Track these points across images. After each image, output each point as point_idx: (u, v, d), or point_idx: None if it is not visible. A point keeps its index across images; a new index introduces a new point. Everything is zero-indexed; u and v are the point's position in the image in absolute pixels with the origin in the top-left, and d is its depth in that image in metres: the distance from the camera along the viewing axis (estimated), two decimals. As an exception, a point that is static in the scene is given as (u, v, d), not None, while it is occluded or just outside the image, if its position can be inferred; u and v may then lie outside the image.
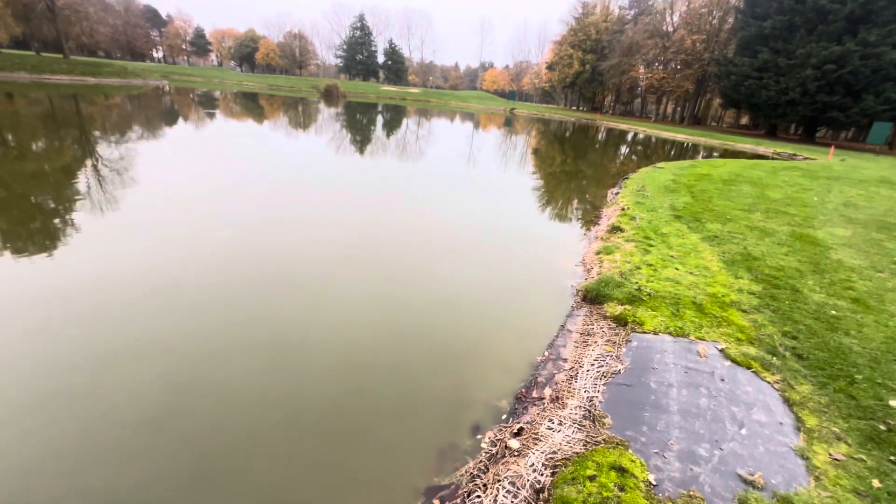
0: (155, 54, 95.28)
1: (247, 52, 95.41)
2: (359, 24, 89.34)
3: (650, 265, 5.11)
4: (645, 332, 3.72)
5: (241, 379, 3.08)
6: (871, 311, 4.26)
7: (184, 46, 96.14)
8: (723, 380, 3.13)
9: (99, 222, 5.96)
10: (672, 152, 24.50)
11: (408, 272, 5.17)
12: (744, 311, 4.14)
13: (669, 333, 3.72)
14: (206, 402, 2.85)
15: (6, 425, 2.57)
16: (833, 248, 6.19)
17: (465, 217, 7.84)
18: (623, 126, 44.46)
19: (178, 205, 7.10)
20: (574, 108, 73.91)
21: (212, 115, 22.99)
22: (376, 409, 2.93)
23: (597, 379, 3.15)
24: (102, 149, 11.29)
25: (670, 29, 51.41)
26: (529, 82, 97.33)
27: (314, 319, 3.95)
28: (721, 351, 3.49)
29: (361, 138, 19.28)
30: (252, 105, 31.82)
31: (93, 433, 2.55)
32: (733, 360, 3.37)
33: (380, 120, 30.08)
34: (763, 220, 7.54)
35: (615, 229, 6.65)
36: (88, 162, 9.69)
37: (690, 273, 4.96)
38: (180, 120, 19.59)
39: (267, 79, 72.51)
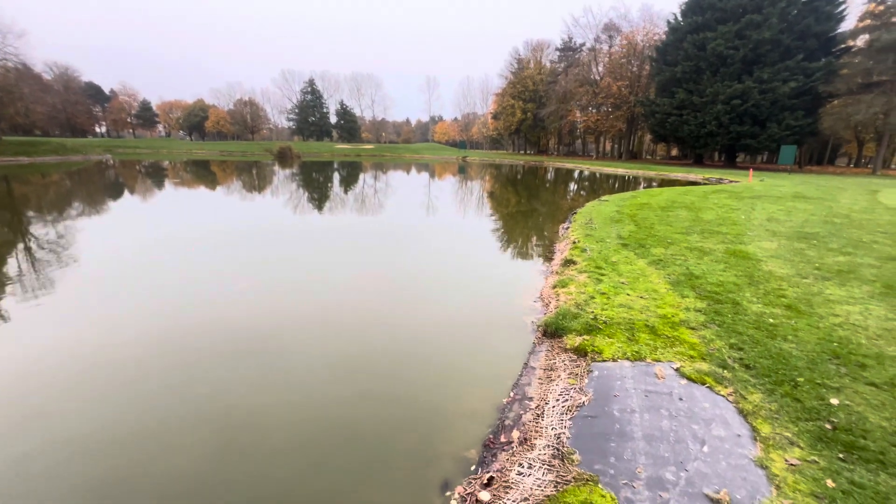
0: (98, 129, 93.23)
1: (196, 122, 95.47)
2: (309, 89, 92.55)
3: (603, 293, 5.31)
4: (605, 361, 3.80)
5: (194, 454, 2.81)
6: (803, 315, 4.60)
7: (129, 119, 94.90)
8: (681, 399, 3.22)
9: (31, 306, 5.47)
10: (615, 185, 26.28)
11: (366, 323, 5.06)
12: (692, 328, 4.35)
13: (627, 359, 3.82)
14: (169, 473, 2.56)
15: None
16: (763, 260, 6.72)
17: (425, 263, 7.91)
18: (569, 165, 47.48)
19: (123, 279, 6.69)
20: (522, 151, 78.50)
21: (159, 185, 22.39)
22: (339, 477, 2.74)
23: (563, 414, 3.14)
24: (37, 229, 10.62)
25: (597, 77, 56.98)
26: (478, 131, 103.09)
27: (265, 382, 3.73)
28: (677, 370, 3.61)
29: (318, 195, 19.36)
30: (203, 172, 31.40)
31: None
32: (689, 378, 3.48)
33: (336, 176, 30.46)
34: (700, 240, 8.13)
35: (568, 262, 6.92)
36: (20, 244, 9.05)
37: (641, 297, 5.19)
38: (125, 192, 18.91)
39: (218, 145, 72.37)
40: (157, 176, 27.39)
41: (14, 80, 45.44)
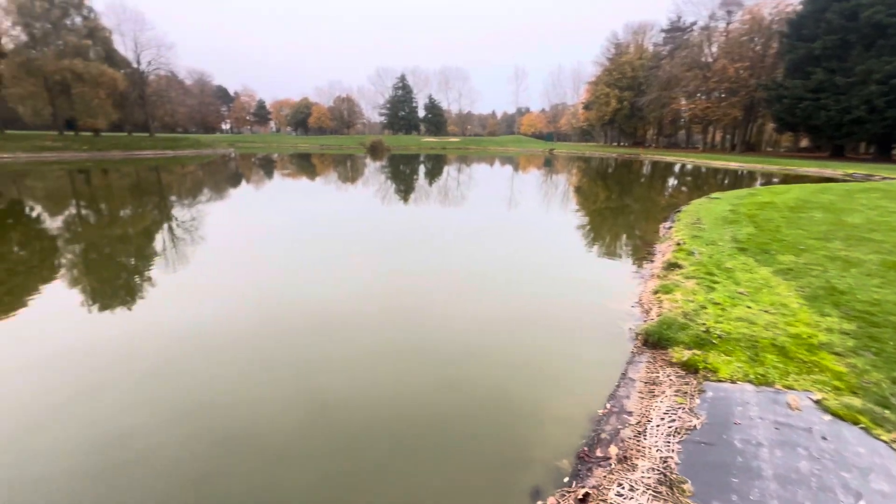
0: (224, 126, 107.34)
1: (301, 118, 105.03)
2: (400, 85, 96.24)
3: (717, 304, 4.67)
4: (720, 381, 3.33)
5: (279, 436, 3.05)
6: None
7: (247, 117, 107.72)
8: (825, 438, 2.68)
9: (171, 278, 6.48)
10: (726, 181, 23.26)
11: (453, 320, 5.07)
12: (838, 354, 3.62)
13: (750, 382, 3.30)
14: (246, 456, 2.84)
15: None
16: (938, 277, 5.38)
17: (508, 259, 7.73)
18: (669, 158, 43.24)
19: (239, 258, 7.61)
20: (615, 143, 73.30)
21: (269, 175, 25.13)
22: (422, 473, 2.76)
23: (669, 436, 2.81)
24: (177, 211, 12.54)
25: (709, 59, 50.70)
26: (567, 122, 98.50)
27: (350, 373, 3.91)
28: (817, 402, 3.02)
29: (405, 187, 20.08)
30: (305, 164, 34.48)
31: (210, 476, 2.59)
32: (835, 414, 2.89)
33: (422, 169, 31.36)
34: (844, 248, 6.78)
35: (672, 266, 6.24)
36: (165, 224, 10.76)
37: (766, 311, 4.47)
38: (242, 181, 21.55)
39: (318, 139, 78.91)
40: (267, 167, 30.73)
41: (165, 86, 54.16)
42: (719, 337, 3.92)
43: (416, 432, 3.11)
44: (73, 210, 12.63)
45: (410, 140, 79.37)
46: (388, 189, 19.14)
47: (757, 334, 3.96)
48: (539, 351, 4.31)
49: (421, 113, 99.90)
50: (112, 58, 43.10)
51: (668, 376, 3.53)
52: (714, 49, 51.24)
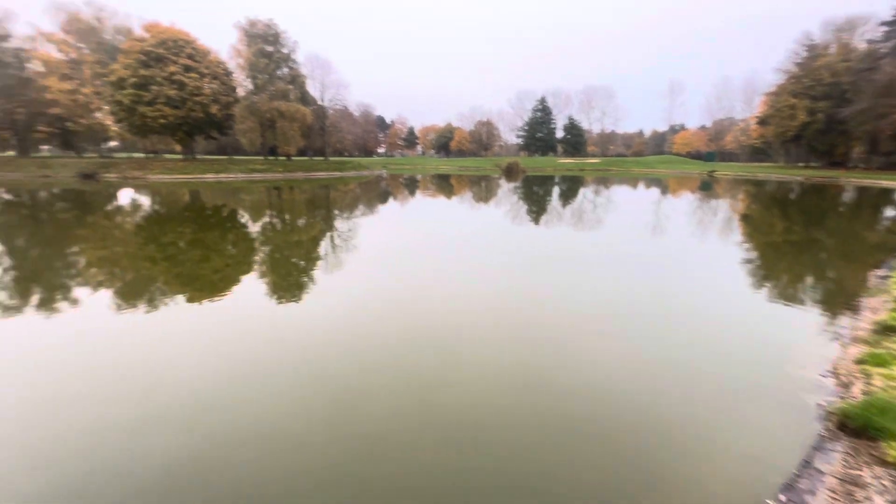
0: (379, 150, 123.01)
1: (443, 142, 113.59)
2: (540, 107, 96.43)
3: (969, 391, 3.35)
4: (974, 505, 2.35)
5: (401, 434, 3.22)
6: None
7: (399, 142, 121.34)
8: None
9: (330, 279, 7.62)
10: None
11: (579, 362, 4.64)
12: None
13: None
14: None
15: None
16: None
17: (650, 295, 6.87)
18: (886, 183, 33.52)
19: (383, 265, 8.52)
20: (801, 164, 59.98)
21: (412, 193, 27.69)
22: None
23: (878, 563, 2.08)
24: (338, 223, 14.73)
25: (964, 53, 37.89)
26: (734, 140, 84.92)
27: (483, 394, 3.92)
28: None
29: (536, 208, 19.84)
30: (443, 184, 36.99)
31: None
32: None
33: (556, 190, 30.60)
34: None
35: (888, 329, 4.73)
36: (328, 233, 12.73)
37: None
38: (389, 199, 24.22)
39: (458, 161, 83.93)
40: (411, 187, 33.92)
41: (339, 118, 64.72)
42: (974, 440, 2.79)
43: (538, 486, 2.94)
44: (266, 218, 15.94)
45: (546, 161, 78.45)
46: (518, 210, 19.18)
47: None
48: (690, 415, 3.56)
49: (559, 134, 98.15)
50: (305, 97, 53.58)
51: (879, 480, 2.65)
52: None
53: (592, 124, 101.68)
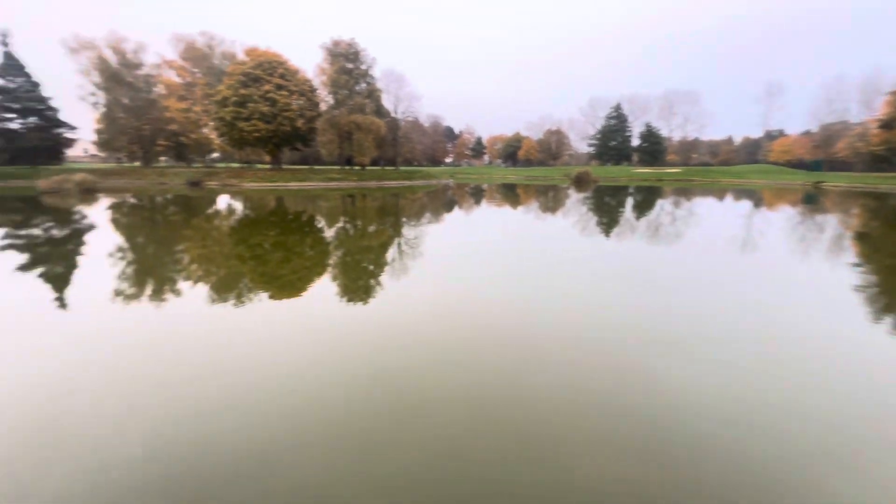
0: (446, 159, 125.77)
1: (511, 151, 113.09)
2: (615, 114, 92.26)
3: None
4: None
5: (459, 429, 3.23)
6: None
7: (466, 151, 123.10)
8: None
9: (397, 282, 7.93)
10: None
11: (672, 404, 3.94)
12: None
13: None
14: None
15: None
16: None
17: (748, 322, 6.21)
18: None
19: (445, 270, 8.67)
20: (939, 174, 50.55)
21: (477, 202, 27.86)
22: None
23: None
24: (405, 230, 15.27)
25: None
26: (847, 146, 74.18)
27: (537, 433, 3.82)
28: None
29: (607, 219, 18.91)
30: (510, 193, 36.75)
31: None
32: None
33: (629, 201, 28.94)
34: None
35: None
36: (396, 239, 13.25)
37: None
38: (455, 208, 24.57)
39: (525, 171, 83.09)
40: (477, 196, 34.14)
41: (410, 129, 67.41)
42: None
43: None
44: (340, 223, 17.01)
45: (620, 171, 74.61)
46: (587, 221, 18.42)
47: None
48: (800, 459, 3.16)
49: (634, 142, 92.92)
50: (379, 110, 56.59)
51: None
52: None
53: (673, 131, 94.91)
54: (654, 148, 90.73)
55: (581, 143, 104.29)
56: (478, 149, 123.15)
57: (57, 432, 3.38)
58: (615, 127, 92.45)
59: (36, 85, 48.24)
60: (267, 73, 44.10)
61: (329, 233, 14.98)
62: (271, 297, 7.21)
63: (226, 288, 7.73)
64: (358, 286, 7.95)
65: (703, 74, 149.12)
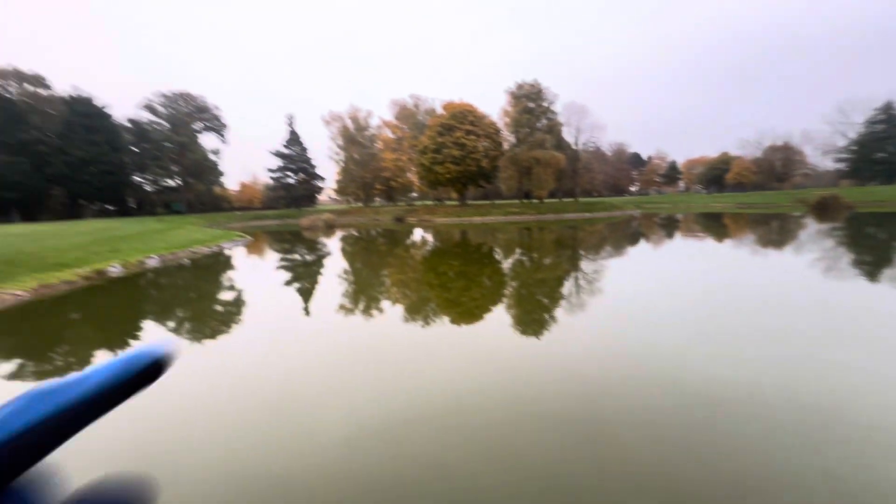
0: (631, 188, 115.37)
1: (715, 175, 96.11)
2: (882, 117, 68.69)
3: None
4: None
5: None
6: None
7: (656, 178, 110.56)
8: None
9: (572, 318, 7.66)
10: None
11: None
12: None
13: None
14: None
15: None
16: None
17: None
18: None
19: (622, 311, 7.89)
20: None
21: (669, 235, 24.47)
22: None
23: None
24: (584, 264, 14.63)
25: None
26: None
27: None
28: None
29: (872, 259, 13.79)
30: (712, 224, 31.07)
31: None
32: None
33: (915, 235, 20.51)
34: None
35: None
36: (573, 273, 12.82)
37: None
38: (640, 241, 22.18)
39: (736, 197, 69.24)
40: (668, 227, 30.04)
41: (590, 159, 65.07)
42: None
43: None
44: (516, 255, 17.53)
45: (892, 192, 54.22)
46: (837, 259, 13.84)
47: None
48: None
49: (923, 151, 66.53)
50: (560, 143, 56.78)
51: None
52: None
53: None
54: (962, 157, 63.15)
55: (823, 160, 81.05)
56: (671, 174, 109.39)
57: (280, 412, 4.50)
58: (883, 133, 68.59)
59: (305, 150, 67.59)
60: (458, 121, 50.11)
61: (506, 264, 15.62)
62: (453, 321, 7.95)
63: (416, 310, 8.91)
64: (532, 319, 8.01)
65: None
